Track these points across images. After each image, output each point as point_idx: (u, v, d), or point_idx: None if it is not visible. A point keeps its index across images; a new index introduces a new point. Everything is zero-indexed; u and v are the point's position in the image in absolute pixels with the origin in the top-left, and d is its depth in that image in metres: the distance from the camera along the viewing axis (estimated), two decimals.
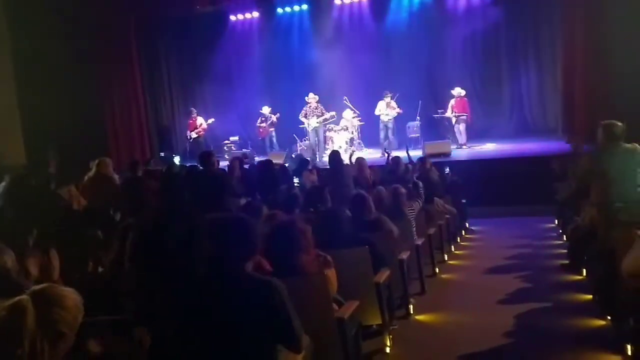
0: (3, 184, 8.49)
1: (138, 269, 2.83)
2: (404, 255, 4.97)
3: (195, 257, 2.52)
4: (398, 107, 12.53)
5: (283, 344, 2.48)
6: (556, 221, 8.23)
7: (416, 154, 10.31)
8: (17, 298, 1.97)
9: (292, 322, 2.42)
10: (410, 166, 8.14)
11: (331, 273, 3.43)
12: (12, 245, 3.13)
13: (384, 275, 4.23)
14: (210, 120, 14.04)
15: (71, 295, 2.08)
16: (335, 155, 7.96)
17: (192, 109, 14.44)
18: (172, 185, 6.30)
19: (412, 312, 5.10)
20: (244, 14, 15.12)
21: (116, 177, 7.77)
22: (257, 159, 11.77)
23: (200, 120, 13.90)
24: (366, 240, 4.24)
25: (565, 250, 6.51)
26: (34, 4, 12.81)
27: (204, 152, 7.22)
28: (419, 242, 5.77)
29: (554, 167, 8.24)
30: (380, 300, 4.15)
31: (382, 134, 12.58)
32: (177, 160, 12.67)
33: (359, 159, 8.42)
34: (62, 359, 2.02)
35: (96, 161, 7.64)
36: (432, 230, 6.42)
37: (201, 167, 6.84)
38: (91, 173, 7.49)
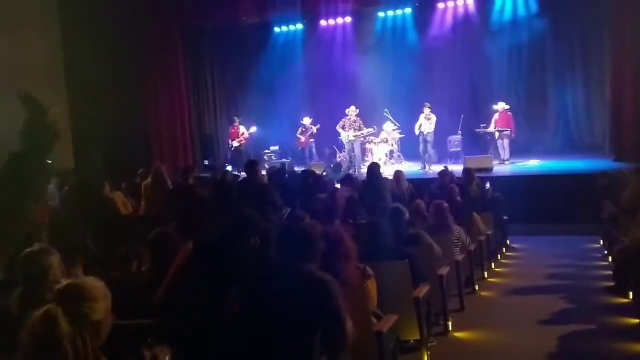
0: (51, 185, 8.82)
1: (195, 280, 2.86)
2: (444, 271, 4.92)
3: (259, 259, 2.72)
4: (435, 117, 12.31)
5: (329, 333, 2.63)
6: (601, 241, 8.00)
7: (457, 168, 10.18)
8: (45, 307, 2.02)
9: (340, 311, 2.63)
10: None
11: (372, 286, 3.43)
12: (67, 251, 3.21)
13: (423, 290, 4.20)
14: (252, 129, 14.21)
15: (95, 284, 2.13)
16: (373, 168, 7.92)
17: (235, 117, 14.65)
18: (228, 193, 6.42)
19: (450, 328, 5.03)
20: (288, 26, 15.31)
21: (169, 182, 7.94)
22: (296, 169, 11.85)
23: (242, 129, 14.09)
24: (406, 254, 4.22)
25: (611, 272, 6.31)
26: (86, 16, 13.32)
27: (250, 161, 7.30)
28: (459, 257, 5.70)
29: (600, 183, 7.90)
30: (419, 315, 4.12)
31: (421, 147, 12.48)
32: (229, 168, 12.85)
33: (397, 172, 8.38)
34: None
35: (153, 168, 7.78)
36: (472, 246, 6.33)
37: (246, 175, 6.93)
38: (148, 180, 7.61)
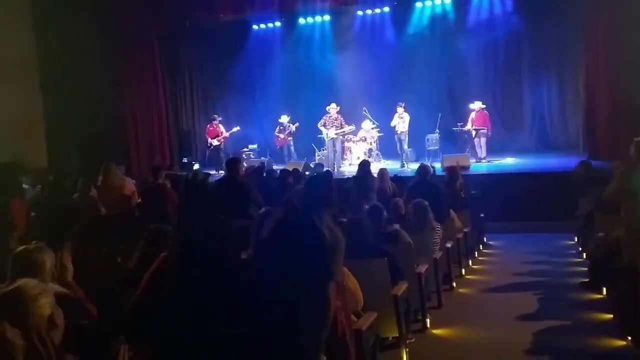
0: (25, 186, 8.62)
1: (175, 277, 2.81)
2: (422, 269, 4.95)
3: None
4: (408, 116, 12.37)
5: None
6: (576, 238, 8.12)
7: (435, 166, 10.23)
8: None
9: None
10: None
11: (356, 287, 3.41)
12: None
13: (402, 288, 4.22)
14: (235, 129, 14.01)
15: (29, 284, 2.12)
16: (365, 165, 7.92)
17: (215, 115, 14.48)
18: (198, 192, 6.34)
19: (429, 325, 5.07)
20: (266, 24, 15.24)
21: (130, 183, 7.63)
22: (275, 167, 11.80)
23: (222, 128, 13.93)
24: (385, 252, 4.23)
25: (585, 268, 6.42)
26: (60, 13, 13.09)
27: (232, 159, 7.21)
28: (437, 255, 5.73)
29: (576, 174, 7.77)
30: (397, 312, 4.14)
31: (398, 146, 12.58)
32: (196, 167, 12.73)
33: (381, 170, 8.39)
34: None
35: (102, 168, 7.10)
36: (449, 244, 6.37)
37: (227, 173, 6.85)
38: (98, 184, 7.01)
